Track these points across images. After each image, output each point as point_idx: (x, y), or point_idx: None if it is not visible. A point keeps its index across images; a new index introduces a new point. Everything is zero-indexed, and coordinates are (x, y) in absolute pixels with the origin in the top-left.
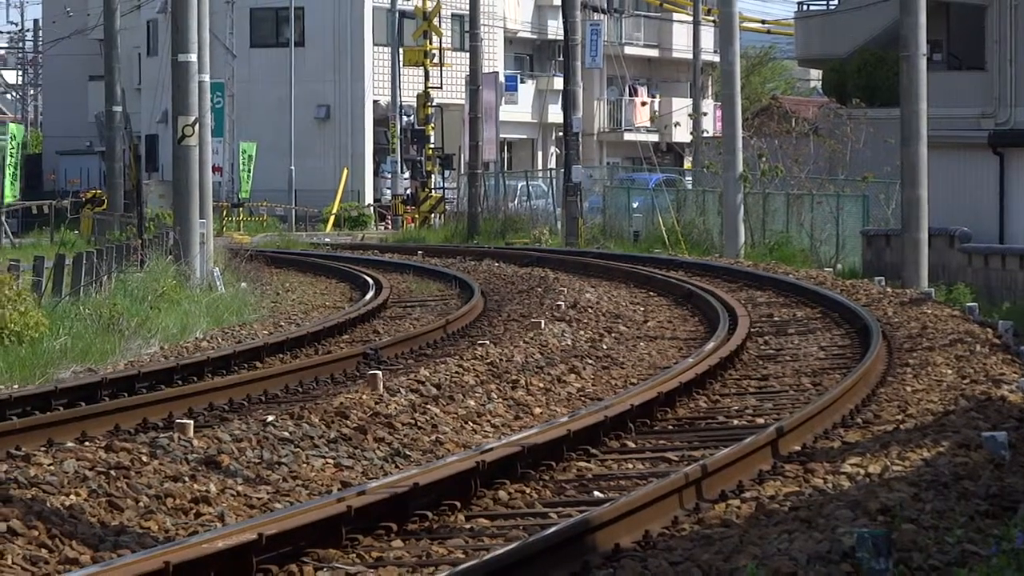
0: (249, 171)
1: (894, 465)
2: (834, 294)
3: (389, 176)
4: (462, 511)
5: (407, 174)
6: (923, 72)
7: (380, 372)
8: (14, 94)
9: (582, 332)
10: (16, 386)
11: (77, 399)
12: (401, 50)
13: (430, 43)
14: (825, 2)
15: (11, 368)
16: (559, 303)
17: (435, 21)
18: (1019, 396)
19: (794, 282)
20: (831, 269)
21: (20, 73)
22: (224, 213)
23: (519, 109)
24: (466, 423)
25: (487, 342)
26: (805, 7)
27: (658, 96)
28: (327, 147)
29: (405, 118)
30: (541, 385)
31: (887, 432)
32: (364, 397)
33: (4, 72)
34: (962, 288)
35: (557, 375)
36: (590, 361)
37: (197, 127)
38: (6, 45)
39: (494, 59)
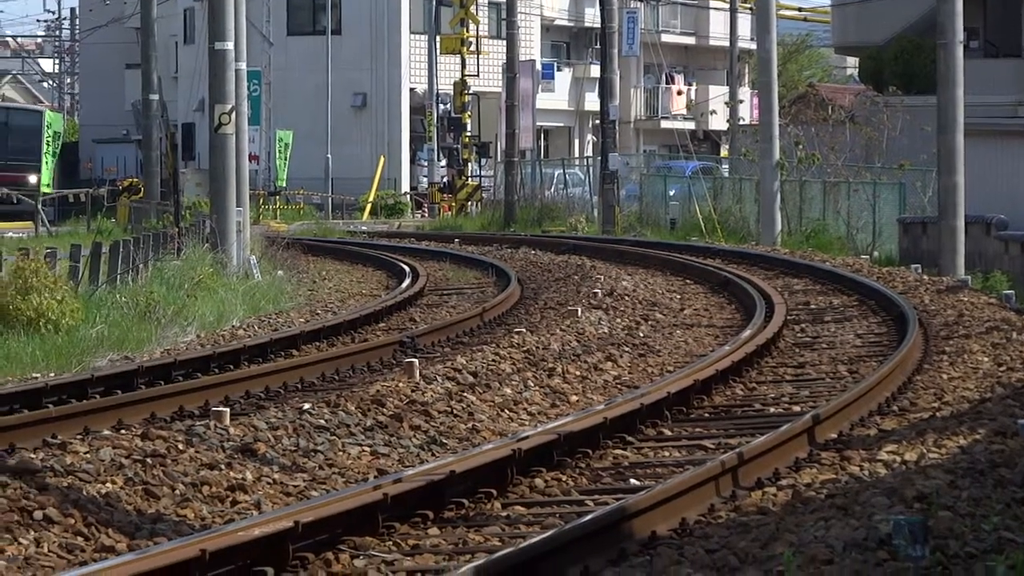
0: (286, 159)
1: (930, 452)
2: (870, 281)
3: (425, 164)
4: (498, 499)
5: (443, 162)
6: (960, 59)
7: (416, 360)
8: (51, 82)
9: (618, 320)
10: (52, 374)
11: (113, 387)
12: (438, 38)
13: (467, 31)
14: None
15: (48, 356)
16: (595, 291)
17: (472, 9)
18: None
19: (830, 270)
20: (867, 257)
21: (57, 62)
22: (260, 201)
23: (556, 97)
24: (502, 411)
25: (523, 330)
26: None
27: (695, 84)
28: (364, 135)
29: (442, 106)
30: (577, 373)
31: (923, 420)
32: (400, 385)
33: (41, 60)
34: (999, 276)
35: (593, 363)
36: (626, 349)
37: (234, 115)
38: (43, 33)
39: (531, 47)
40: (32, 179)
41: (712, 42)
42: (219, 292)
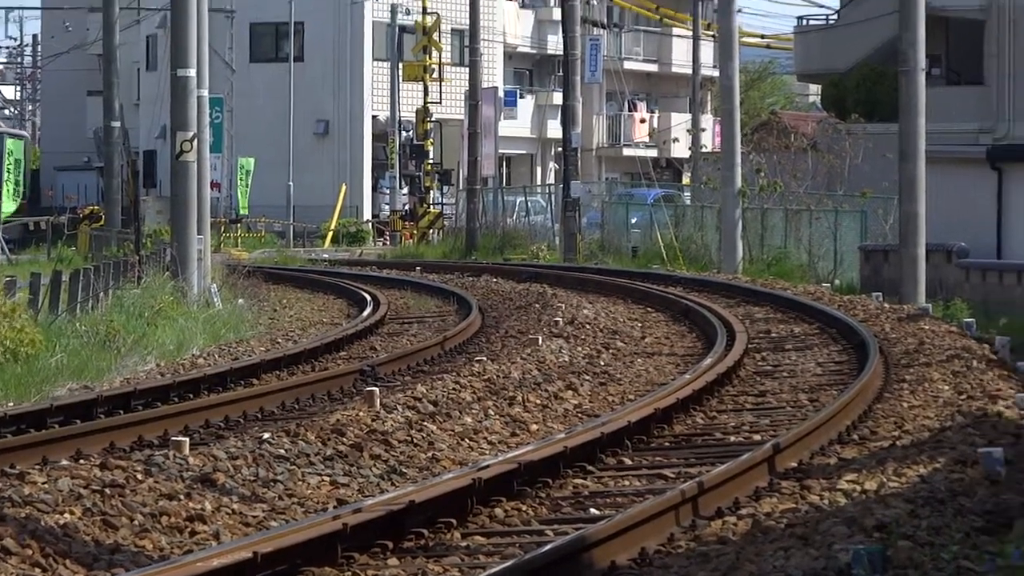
0: (247, 186)
1: (890, 481)
2: (832, 310)
3: (387, 192)
4: (458, 528)
5: (405, 190)
6: (922, 87)
7: (377, 389)
8: (12, 109)
9: (579, 348)
10: (11, 404)
11: (73, 416)
12: (400, 65)
13: (430, 58)
14: (824, 17)
15: (6, 385)
16: (557, 319)
17: (435, 36)
18: (1015, 412)
19: (792, 298)
20: (829, 285)
21: (18, 88)
22: (222, 229)
23: (518, 124)
24: (463, 440)
25: (484, 358)
26: (804, 22)
27: (657, 111)
28: (325, 162)
29: (404, 133)
30: (538, 402)
31: (883, 448)
32: (361, 414)
33: (3, 87)
34: (959, 304)
35: (554, 392)
36: (587, 377)
37: (195, 142)
38: (5, 60)
39: (493, 74)
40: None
41: (675, 69)
42: (179, 320)
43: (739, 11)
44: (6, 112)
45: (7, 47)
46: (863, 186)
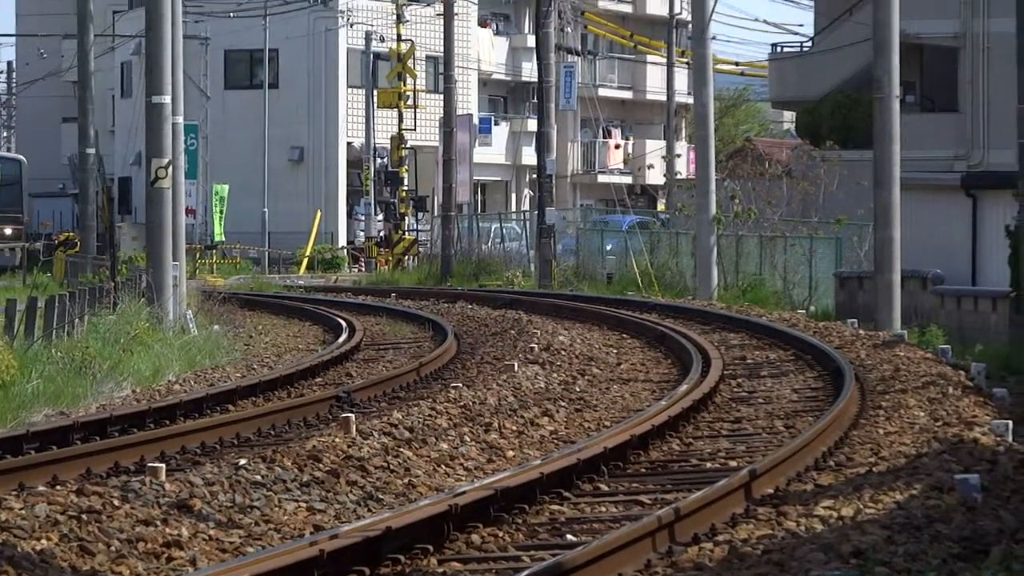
0: (222, 213)
1: (867, 508)
2: (807, 336)
3: (363, 218)
4: (435, 555)
5: (380, 216)
6: (896, 114)
7: (353, 415)
8: None
9: (555, 375)
10: None
11: (49, 443)
12: (375, 92)
13: (404, 85)
14: (799, 44)
15: None
16: (532, 345)
17: (409, 63)
18: (991, 438)
19: (767, 324)
20: (804, 311)
21: None
22: (197, 255)
23: (493, 151)
24: (439, 466)
25: (460, 385)
26: (779, 49)
27: (632, 138)
28: (300, 189)
29: (379, 160)
30: (514, 428)
31: (860, 475)
32: (337, 440)
33: None
34: (935, 330)
35: (530, 418)
36: (563, 404)
37: (170, 169)
38: None
39: (468, 101)
40: (8, 230)
41: (649, 96)
42: (155, 347)
43: (713, 38)
44: None
45: None
46: (838, 213)
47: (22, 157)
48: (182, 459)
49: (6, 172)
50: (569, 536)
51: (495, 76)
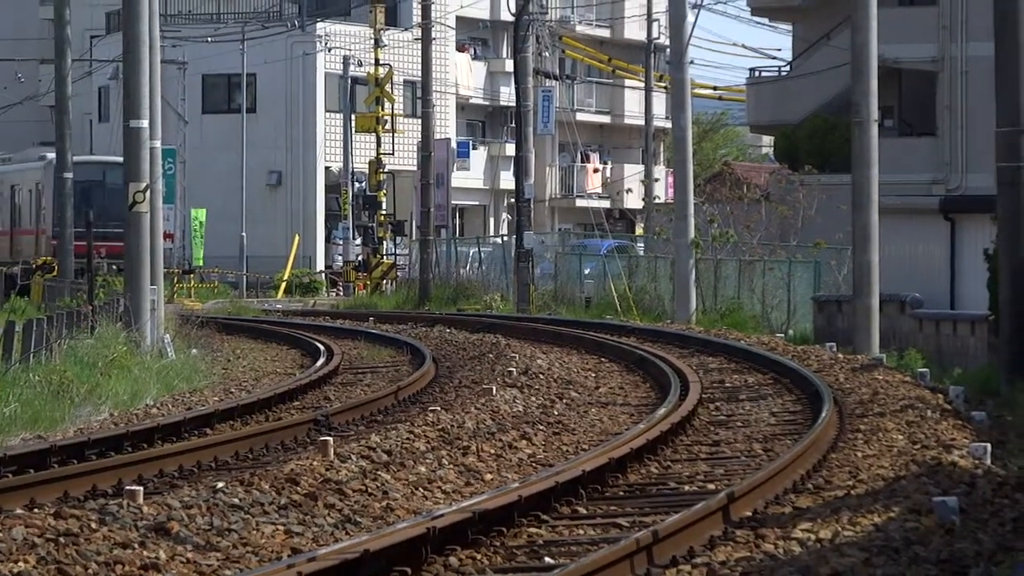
0: (201, 237)
1: (845, 530)
2: (785, 360)
3: (341, 242)
4: None
5: (359, 240)
6: (874, 138)
7: (331, 438)
8: None
9: (533, 398)
10: None
11: (26, 466)
12: (353, 116)
13: (382, 109)
14: (777, 69)
15: None
16: (510, 369)
17: (387, 87)
18: (969, 461)
19: (745, 348)
20: (782, 335)
21: None
22: (175, 279)
23: (471, 175)
24: (417, 489)
25: (438, 408)
26: (757, 73)
27: (610, 162)
28: (278, 213)
29: (357, 184)
30: (492, 451)
31: (838, 497)
32: (315, 463)
33: None
34: (913, 354)
35: (508, 441)
36: (541, 427)
37: (148, 193)
38: None
39: (446, 125)
40: None
41: (627, 120)
42: (133, 371)
43: (691, 63)
44: None
45: None
46: (816, 237)
47: None
48: (160, 482)
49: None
50: (547, 559)
51: (473, 100)
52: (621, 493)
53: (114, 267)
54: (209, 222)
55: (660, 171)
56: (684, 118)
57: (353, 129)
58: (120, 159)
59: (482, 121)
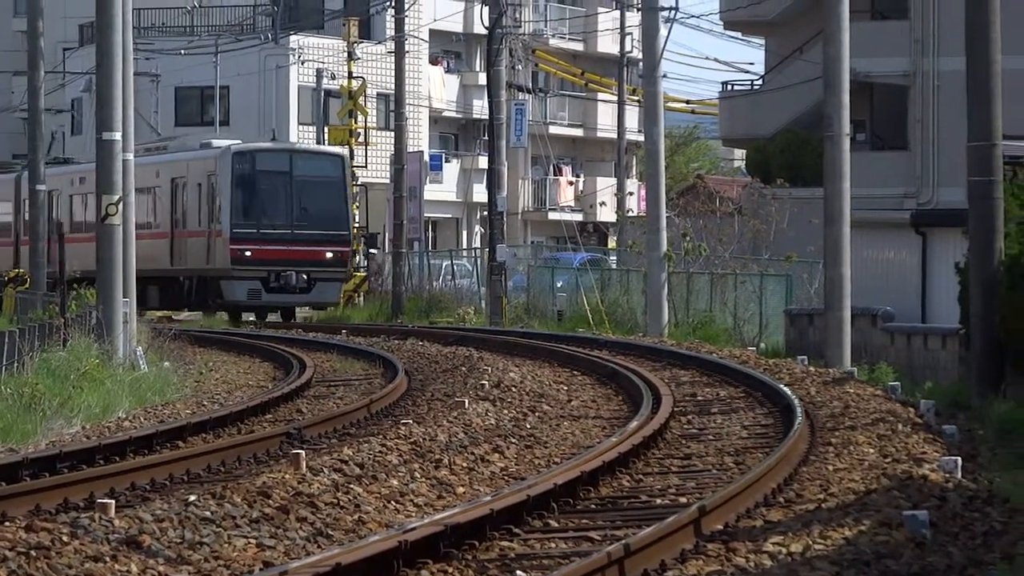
0: None
1: (816, 544)
2: (757, 373)
3: None
4: None
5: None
6: (846, 152)
7: (303, 451)
8: None
9: (506, 411)
10: None
11: None
12: (326, 129)
13: (355, 122)
14: (749, 83)
15: None
16: (483, 382)
17: (360, 100)
18: (940, 475)
19: (717, 361)
20: (754, 348)
21: None
22: None
23: (444, 188)
24: (389, 503)
25: (410, 421)
26: (729, 87)
27: (583, 175)
28: None
29: None
30: (464, 464)
31: (809, 511)
32: (287, 477)
33: None
34: (884, 367)
35: (481, 454)
36: (514, 440)
37: (121, 206)
38: None
39: (419, 138)
40: (329, 254)
41: (600, 134)
42: (105, 383)
43: (664, 76)
44: None
45: None
46: (788, 250)
47: (342, 152)
48: (132, 495)
49: (325, 174)
50: (519, 572)
51: (446, 113)
52: (593, 506)
53: (313, 279)
54: None
55: (633, 184)
56: (656, 132)
57: (326, 141)
58: (313, 146)
59: (455, 134)
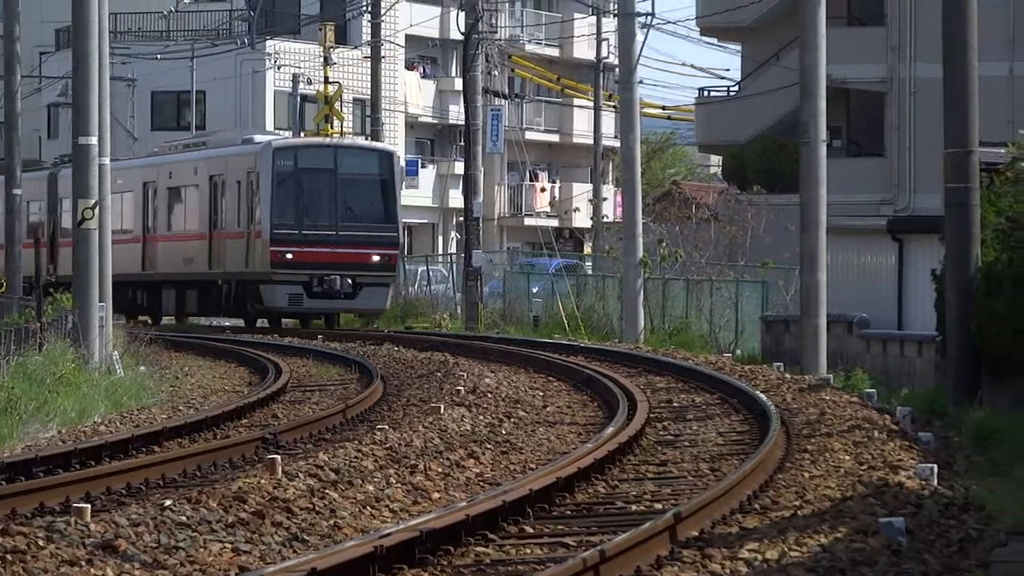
0: None
1: (791, 551)
2: (733, 380)
3: None
4: None
5: None
6: (823, 158)
7: (279, 456)
8: None
9: (481, 417)
10: None
11: None
12: (303, 134)
13: (332, 127)
14: (726, 88)
15: None
16: (458, 388)
17: (337, 105)
18: (916, 482)
19: (693, 367)
20: (730, 355)
21: None
22: None
23: (420, 193)
24: (365, 508)
25: (386, 427)
26: (706, 93)
27: (559, 181)
28: None
29: None
30: (440, 470)
31: (785, 518)
32: (262, 482)
33: None
34: (860, 374)
35: (456, 460)
36: (489, 446)
37: (97, 210)
38: None
39: (395, 143)
40: (376, 257)
41: (576, 139)
42: (81, 388)
43: (640, 82)
44: None
45: None
46: (764, 257)
47: (391, 148)
48: (108, 500)
49: (371, 171)
50: None
51: (422, 119)
52: (569, 512)
53: (358, 284)
54: None
55: (609, 190)
56: (633, 138)
57: None
58: (360, 142)
59: (431, 139)
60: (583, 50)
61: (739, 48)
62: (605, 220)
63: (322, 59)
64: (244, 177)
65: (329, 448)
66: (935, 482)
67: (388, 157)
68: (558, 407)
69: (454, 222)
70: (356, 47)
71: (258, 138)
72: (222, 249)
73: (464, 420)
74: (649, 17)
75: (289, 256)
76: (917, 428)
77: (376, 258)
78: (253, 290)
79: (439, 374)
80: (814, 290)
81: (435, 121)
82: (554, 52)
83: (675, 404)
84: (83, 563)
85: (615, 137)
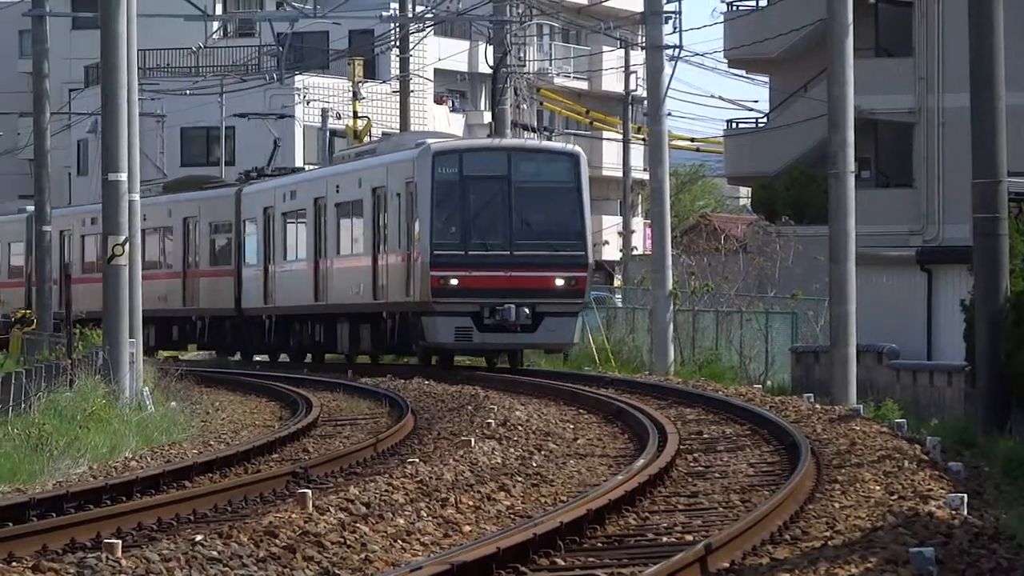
0: None
1: None
2: (763, 411)
3: None
4: None
5: None
6: (851, 189)
7: (310, 491)
8: None
9: (512, 450)
10: None
11: (4, 519)
12: None
13: None
14: (754, 120)
15: None
16: (489, 421)
17: (365, 139)
18: (946, 512)
19: (723, 399)
20: (760, 386)
21: None
22: None
23: None
24: (396, 541)
25: (417, 460)
26: (734, 125)
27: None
28: None
29: None
30: (471, 503)
31: (815, 548)
32: (293, 516)
33: None
34: (890, 404)
35: (487, 493)
36: (520, 479)
37: (127, 247)
38: None
39: None
40: (560, 281)
41: (605, 172)
42: (112, 423)
43: (668, 115)
44: None
45: None
46: (794, 288)
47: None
48: (139, 535)
49: (561, 179)
50: None
51: None
52: (600, 544)
53: (539, 313)
54: None
55: (638, 223)
56: (662, 170)
57: None
58: (539, 143)
59: None
60: (611, 83)
61: (767, 80)
62: (634, 252)
63: (351, 94)
64: (403, 188)
65: (360, 482)
66: (965, 512)
67: (574, 160)
68: (588, 439)
69: None
70: (385, 81)
71: (421, 140)
72: (386, 275)
73: (495, 453)
74: (677, 50)
75: (454, 282)
76: (947, 458)
77: (560, 282)
78: (415, 323)
79: (469, 407)
80: (843, 321)
81: None
82: (583, 85)
83: (705, 435)
84: None
85: (644, 169)
